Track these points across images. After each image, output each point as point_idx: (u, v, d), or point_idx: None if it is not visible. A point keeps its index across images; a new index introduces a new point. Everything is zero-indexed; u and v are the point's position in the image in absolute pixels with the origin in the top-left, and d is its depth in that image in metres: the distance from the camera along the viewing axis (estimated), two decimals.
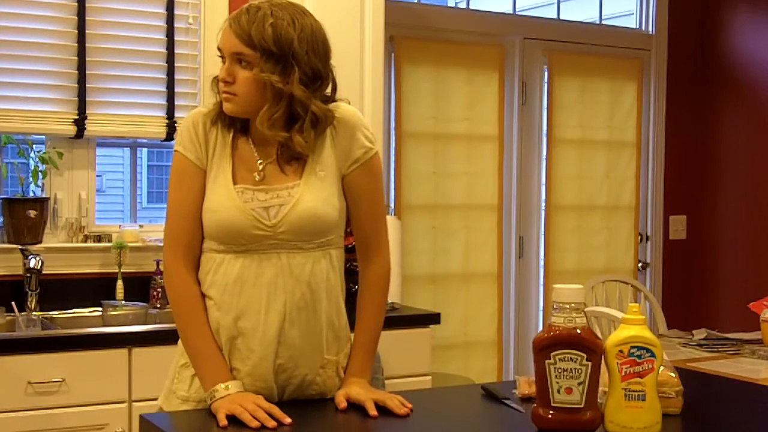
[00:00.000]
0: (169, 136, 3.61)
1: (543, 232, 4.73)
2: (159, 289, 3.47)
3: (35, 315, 3.27)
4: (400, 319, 3.42)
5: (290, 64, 1.88)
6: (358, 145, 1.99)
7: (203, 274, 1.96)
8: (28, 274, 3.29)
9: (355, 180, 1.99)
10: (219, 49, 1.93)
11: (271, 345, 1.92)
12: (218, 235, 1.93)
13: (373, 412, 1.85)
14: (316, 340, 1.96)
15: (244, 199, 1.92)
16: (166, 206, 2.00)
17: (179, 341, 2.01)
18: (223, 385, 1.87)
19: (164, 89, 3.62)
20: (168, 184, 2.03)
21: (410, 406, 1.87)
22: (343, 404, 1.90)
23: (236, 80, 1.89)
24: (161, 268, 3.47)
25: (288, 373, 1.95)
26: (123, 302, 3.46)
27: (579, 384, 1.66)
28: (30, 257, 3.29)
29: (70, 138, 3.48)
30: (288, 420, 1.78)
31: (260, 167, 1.95)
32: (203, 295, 1.96)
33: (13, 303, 3.26)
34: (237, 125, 1.98)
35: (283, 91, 1.88)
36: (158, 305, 3.47)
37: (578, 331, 1.66)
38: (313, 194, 1.93)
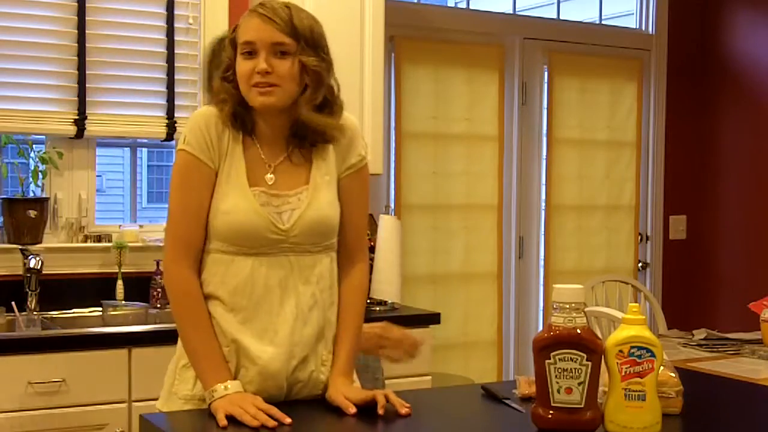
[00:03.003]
0: (169, 136, 3.61)
1: (543, 232, 4.73)
2: (159, 289, 3.47)
3: (35, 315, 3.27)
4: (400, 319, 3.42)
5: (321, 55, 1.96)
6: (356, 152, 2.04)
7: (210, 275, 1.95)
8: (28, 274, 3.29)
9: (347, 185, 2.03)
10: (249, 42, 1.91)
11: (284, 344, 1.93)
12: (231, 236, 1.92)
13: (383, 402, 1.85)
14: (323, 336, 1.99)
15: (260, 202, 1.93)
16: (169, 205, 1.97)
17: (179, 343, 2.01)
18: (222, 386, 1.87)
19: (164, 89, 3.62)
20: (169, 183, 2.01)
21: (408, 405, 1.87)
22: (353, 409, 1.88)
23: (275, 71, 1.90)
24: (161, 268, 3.47)
25: (299, 371, 1.96)
26: (123, 302, 3.46)
27: (579, 384, 1.66)
28: (30, 257, 3.29)
29: (70, 138, 3.48)
30: (288, 420, 1.78)
31: (271, 168, 1.97)
32: (206, 297, 1.96)
33: (13, 303, 3.26)
34: (248, 126, 1.97)
35: (324, 78, 1.95)
36: (158, 305, 3.47)
37: (578, 331, 1.66)
38: (321, 198, 1.97)
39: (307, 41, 1.93)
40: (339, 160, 2.02)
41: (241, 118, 1.96)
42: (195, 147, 1.94)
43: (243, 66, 1.92)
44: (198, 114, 1.99)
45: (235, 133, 1.96)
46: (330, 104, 1.98)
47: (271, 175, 1.96)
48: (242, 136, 1.97)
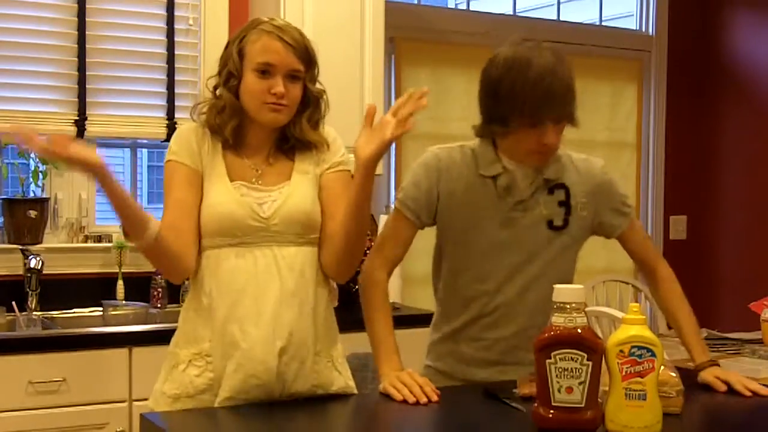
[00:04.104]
0: (169, 137, 3.60)
1: None
2: (159, 289, 3.48)
3: (36, 315, 3.27)
4: (400, 319, 3.40)
5: (316, 73, 2.10)
6: (338, 153, 2.14)
7: (201, 269, 2.03)
8: (29, 274, 3.29)
9: (329, 182, 2.10)
10: (269, 64, 2.00)
11: (268, 327, 1.97)
12: (216, 228, 2.00)
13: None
14: (310, 325, 2.04)
15: (240, 193, 2.02)
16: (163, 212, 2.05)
17: (171, 344, 2.07)
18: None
19: (164, 90, 3.62)
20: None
21: None
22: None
23: (288, 94, 2.01)
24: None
25: (289, 356, 1.99)
26: (123, 302, 3.47)
27: (580, 383, 1.66)
28: (30, 257, 3.29)
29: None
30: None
31: (258, 172, 2.06)
32: (201, 294, 2.02)
33: (13, 303, 3.26)
34: (228, 139, 2.05)
35: (322, 97, 2.10)
36: (158, 305, 3.47)
37: (579, 330, 1.67)
38: (302, 192, 2.05)
39: (314, 66, 2.07)
40: (321, 162, 2.11)
41: (218, 132, 2.05)
42: (179, 154, 2.05)
43: (257, 84, 2.01)
44: (180, 128, 2.12)
45: (214, 143, 2.06)
46: (318, 121, 2.12)
47: (258, 177, 2.05)
48: (222, 145, 2.06)
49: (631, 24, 5.06)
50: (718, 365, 2.13)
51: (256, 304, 1.98)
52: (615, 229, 2.27)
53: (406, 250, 2.23)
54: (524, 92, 2.02)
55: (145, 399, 2.86)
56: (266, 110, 2.01)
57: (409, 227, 2.22)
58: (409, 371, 2.03)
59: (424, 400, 1.93)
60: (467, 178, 2.17)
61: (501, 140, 2.16)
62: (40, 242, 3.40)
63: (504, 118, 2.08)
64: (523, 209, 2.17)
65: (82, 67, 3.46)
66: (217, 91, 2.07)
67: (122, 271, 3.48)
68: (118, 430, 2.93)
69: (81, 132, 3.46)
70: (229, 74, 2.04)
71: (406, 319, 3.45)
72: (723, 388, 2.02)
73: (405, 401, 1.93)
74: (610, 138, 4.84)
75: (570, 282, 2.25)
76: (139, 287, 3.50)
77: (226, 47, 2.08)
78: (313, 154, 2.10)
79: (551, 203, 2.18)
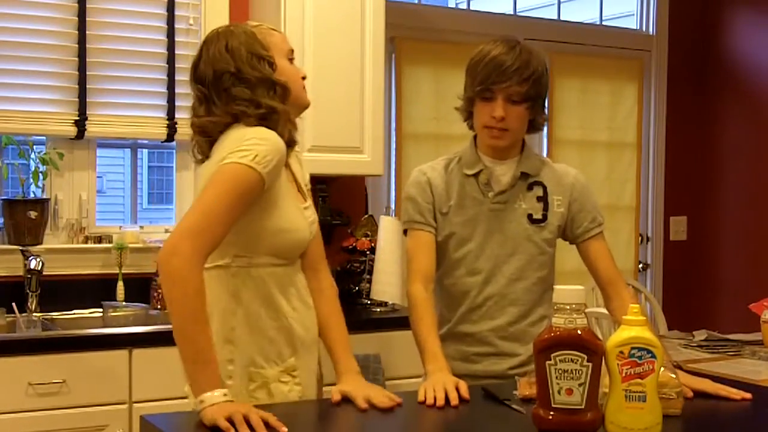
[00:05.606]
0: (170, 137, 3.61)
1: None
2: (159, 291, 3.47)
3: (36, 316, 3.27)
4: (400, 320, 3.42)
5: None
6: (307, 173, 2.23)
7: (273, 289, 2.03)
8: (29, 275, 3.29)
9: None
10: (293, 50, 2.14)
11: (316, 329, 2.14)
12: (287, 251, 2.04)
13: (364, 405, 1.91)
14: None
15: (304, 215, 2.09)
16: (209, 203, 1.86)
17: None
18: (216, 393, 1.75)
19: (164, 90, 3.62)
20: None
21: (399, 400, 1.92)
22: (337, 397, 1.96)
23: None
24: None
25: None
26: (123, 303, 3.46)
27: (579, 385, 1.66)
28: (30, 258, 3.29)
29: (71, 139, 3.48)
30: (284, 429, 1.67)
31: (302, 183, 2.16)
32: (281, 315, 2.06)
33: (13, 304, 3.26)
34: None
35: None
36: (159, 306, 3.47)
37: (579, 332, 1.66)
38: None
39: None
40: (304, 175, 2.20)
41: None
42: (268, 171, 1.91)
43: (292, 69, 2.10)
44: (273, 137, 1.96)
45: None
46: None
47: (303, 188, 2.16)
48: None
49: (632, 23, 5.06)
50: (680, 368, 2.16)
51: (309, 314, 2.11)
52: (584, 232, 2.41)
53: (432, 257, 2.34)
54: (479, 66, 2.24)
55: (146, 401, 2.88)
56: (305, 93, 2.12)
57: (426, 235, 2.34)
58: (442, 375, 2.05)
59: (440, 404, 1.92)
60: (455, 181, 2.34)
61: (477, 136, 2.36)
62: (41, 243, 3.40)
63: (466, 90, 2.31)
64: (504, 201, 2.33)
65: (82, 67, 3.46)
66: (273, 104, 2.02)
67: (122, 272, 3.48)
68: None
69: (81, 132, 3.46)
70: (272, 83, 2.02)
71: (407, 320, 3.45)
72: (689, 394, 2.01)
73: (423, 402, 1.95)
74: (610, 138, 4.84)
75: (552, 275, 2.45)
76: (139, 288, 3.50)
77: (223, 73, 2.00)
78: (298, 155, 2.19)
79: (530, 198, 2.35)
